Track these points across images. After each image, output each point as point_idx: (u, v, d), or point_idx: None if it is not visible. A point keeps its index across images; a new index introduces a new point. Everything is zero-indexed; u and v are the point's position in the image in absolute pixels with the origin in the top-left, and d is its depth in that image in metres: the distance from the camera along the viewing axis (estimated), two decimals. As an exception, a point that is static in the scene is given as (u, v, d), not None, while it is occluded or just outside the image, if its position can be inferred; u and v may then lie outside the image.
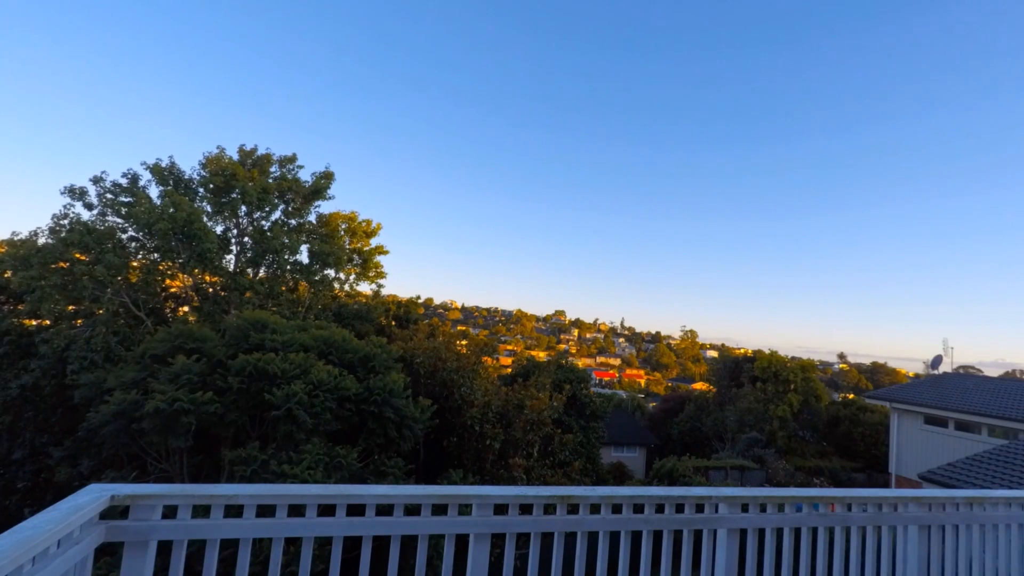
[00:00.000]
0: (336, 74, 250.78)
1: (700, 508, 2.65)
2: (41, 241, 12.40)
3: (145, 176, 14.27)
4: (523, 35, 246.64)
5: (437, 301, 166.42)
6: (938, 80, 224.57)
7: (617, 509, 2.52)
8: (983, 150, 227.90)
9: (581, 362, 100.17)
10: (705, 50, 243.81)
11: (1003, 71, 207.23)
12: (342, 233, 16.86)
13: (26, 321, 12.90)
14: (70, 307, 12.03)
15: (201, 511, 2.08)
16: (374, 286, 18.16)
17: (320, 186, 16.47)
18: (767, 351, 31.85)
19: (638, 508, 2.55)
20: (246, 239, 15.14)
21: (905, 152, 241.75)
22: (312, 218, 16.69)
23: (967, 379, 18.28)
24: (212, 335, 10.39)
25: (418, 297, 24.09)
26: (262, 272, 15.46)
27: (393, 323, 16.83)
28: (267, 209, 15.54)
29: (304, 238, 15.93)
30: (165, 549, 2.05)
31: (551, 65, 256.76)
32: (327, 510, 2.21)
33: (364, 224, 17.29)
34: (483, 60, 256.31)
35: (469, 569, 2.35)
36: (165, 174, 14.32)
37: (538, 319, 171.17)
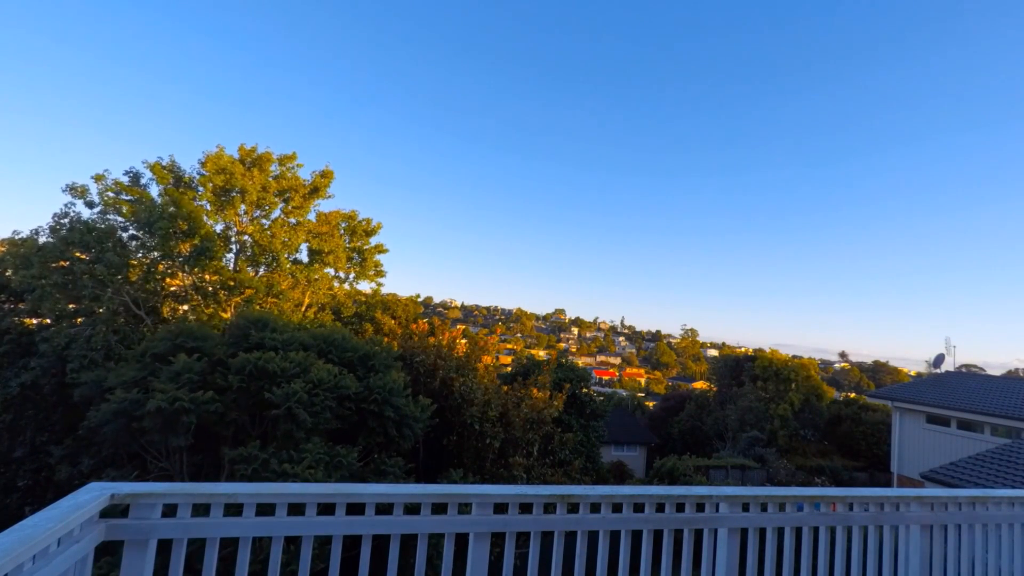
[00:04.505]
0: (336, 74, 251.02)
1: (701, 507, 2.65)
2: (42, 240, 12.40)
3: (146, 175, 14.29)
4: (525, 36, 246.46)
5: (437, 300, 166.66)
6: (941, 87, 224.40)
7: (617, 508, 2.52)
8: (986, 151, 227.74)
9: (581, 361, 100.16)
10: (705, 60, 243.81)
11: (1002, 87, 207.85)
12: (342, 232, 16.84)
13: (26, 320, 12.90)
14: (71, 306, 12.02)
15: (201, 510, 2.07)
16: (374, 284, 18.16)
17: (320, 184, 16.45)
18: (768, 350, 31.85)
19: (638, 507, 2.55)
20: (246, 237, 15.14)
21: (907, 152, 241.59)
22: (312, 216, 16.68)
23: (970, 378, 18.25)
24: (212, 333, 10.39)
25: (418, 296, 24.08)
26: (262, 271, 15.46)
27: (392, 321, 16.82)
28: (267, 207, 15.53)
29: (303, 236, 15.91)
30: (165, 548, 2.05)
31: (551, 64, 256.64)
32: (327, 509, 2.21)
33: (364, 223, 17.25)
34: (483, 61, 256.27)
35: (469, 568, 2.35)
36: (165, 172, 14.32)
37: (538, 318, 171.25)
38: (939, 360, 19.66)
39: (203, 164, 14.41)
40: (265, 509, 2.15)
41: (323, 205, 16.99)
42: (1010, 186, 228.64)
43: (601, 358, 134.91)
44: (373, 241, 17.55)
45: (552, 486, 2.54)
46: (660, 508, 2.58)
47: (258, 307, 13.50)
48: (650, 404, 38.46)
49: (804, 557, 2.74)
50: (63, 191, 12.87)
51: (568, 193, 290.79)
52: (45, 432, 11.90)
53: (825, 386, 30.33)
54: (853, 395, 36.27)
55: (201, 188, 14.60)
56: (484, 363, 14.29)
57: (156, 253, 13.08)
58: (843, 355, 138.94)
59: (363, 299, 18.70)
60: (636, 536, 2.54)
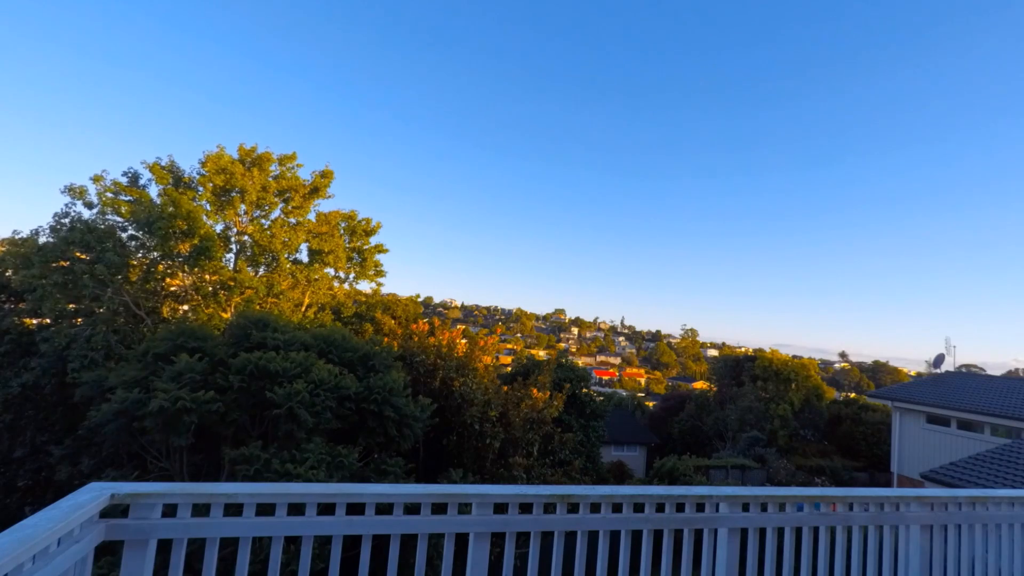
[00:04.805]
0: (337, 76, 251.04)
1: (701, 507, 2.65)
2: (42, 240, 12.40)
3: (145, 175, 14.29)
4: (527, 39, 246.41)
5: (437, 300, 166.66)
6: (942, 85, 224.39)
7: (617, 508, 2.52)
8: (986, 153, 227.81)
9: (581, 361, 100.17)
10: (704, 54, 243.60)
11: (1001, 90, 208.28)
12: (341, 232, 16.84)
13: (27, 320, 12.90)
14: (71, 306, 12.02)
15: (201, 510, 2.07)
16: (374, 284, 18.16)
17: (320, 184, 16.44)
18: (768, 350, 31.84)
19: (638, 507, 2.55)
20: (246, 237, 15.13)
21: (907, 153, 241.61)
22: (312, 216, 16.68)
23: (969, 378, 18.25)
24: (213, 334, 10.40)
25: (418, 296, 24.09)
26: (262, 270, 15.45)
27: (393, 321, 16.82)
28: (267, 207, 15.53)
29: (303, 236, 15.91)
30: (165, 548, 2.05)
31: (552, 67, 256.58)
32: (327, 509, 2.21)
33: (364, 223, 17.24)
34: (484, 63, 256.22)
35: (469, 568, 2.35)
36: (165, 173, 14.32)
37: (538, 318, 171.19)
38: (939, 360, 19.66)
39: (203, 164, 14.41)
40: (265, 509, 2.15)
41: (323, 205, 17.01)
42: (1010, 187, 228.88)
43: (601, 358, 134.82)
44: (373, 241, 17.55)
45: (552, 486, 2.54)
46: (660, 508, 2.58)
47: (258, 307, 13.49)
48: (650, 404, 38.44)
49: (804, 557, 2.74)
50: (62, 192, 12.87)
51: (568, 194, 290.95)
52: (45, 432, 11.90)
53: (825, 386, 30.33)
54: (853, 395, 36.27)
55: (201, 188, 14.60)
56: (484, 363, 14.28)
57: (156, 253, 13.08)
58: (843, 355, 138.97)
59: (363, 299, 18.69)
60: (636, 536, 2.54)
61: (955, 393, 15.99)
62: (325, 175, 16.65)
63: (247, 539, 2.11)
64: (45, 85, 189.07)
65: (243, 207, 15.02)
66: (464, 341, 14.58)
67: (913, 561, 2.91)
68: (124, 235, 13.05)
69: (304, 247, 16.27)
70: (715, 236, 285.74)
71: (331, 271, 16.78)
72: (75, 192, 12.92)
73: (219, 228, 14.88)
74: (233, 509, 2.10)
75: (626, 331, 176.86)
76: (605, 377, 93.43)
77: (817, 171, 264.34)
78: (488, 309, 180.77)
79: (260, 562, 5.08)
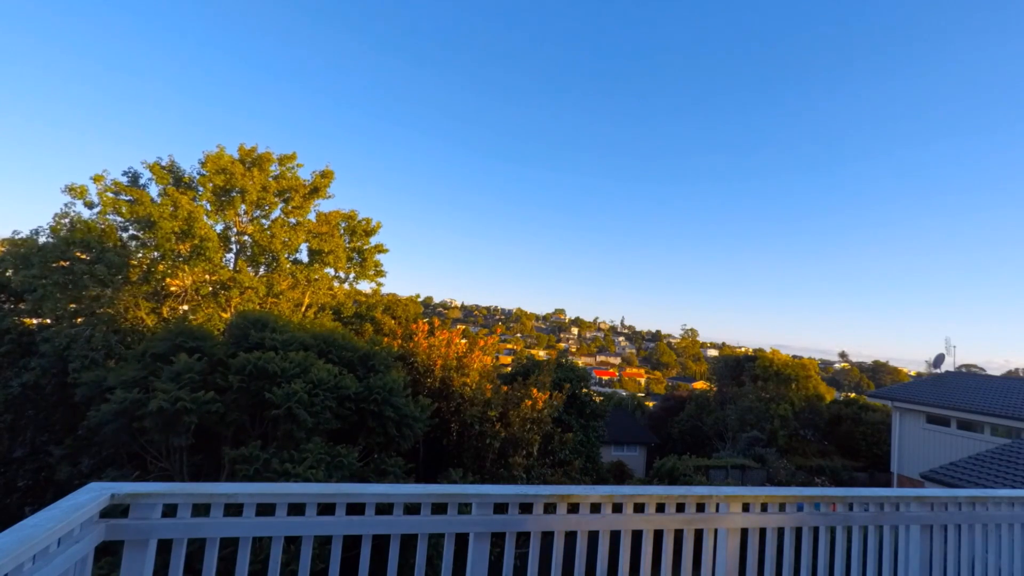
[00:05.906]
0: (337, 77, 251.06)
1: (701, 507, 2.65)
2: (42, 240, 12.40)
3: (145, 175, 14.29)
4: (527, 43, 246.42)
5: (437, 300, 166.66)
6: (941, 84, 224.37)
7: (617, 508, 2.52)
8: (985, 154, 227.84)
9: (581, 361, 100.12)
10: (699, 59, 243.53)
11: (1000, 91, 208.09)
12: (342, 232, 16.82)
13: (27, 320, 12.90)
14: (71, 306, 12.02)
15: (201, 510, 2.07)
16: (374, 284, 18.14)
17: (320, 184, 16.43)
18: (768, 350, 31.87)
19: (639, 507, 2.54)
20: (246, 237, 15.13)
21: (907, 154, 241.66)
22: (312, 217, 16.67)
23: (969, 378, 18.25)
24: (212, 334, 10.40)
25: (418, 296, 24.09)
26: (262, 270, 15.44)
27: (393, 321, 16.81)
28: (267, 208, 15.52)
29: (303, 236, 15.90)
30: (165, 548, 2.05)
31: (552, 71, 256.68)
32: (327, 509, 2.21)
33: (364, 223, 17.23)
34: (486, 66, 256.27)
35: (469, 568, 2.35)
36: (165, 173, 14.32)
37: (538, 318, 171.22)
38: (939, 360, 19.65)
39: (203, 164, 14.41)
40: (265, 509, 2.15)
41: (323, 205, 16.97)
42: (1009, 188, 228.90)
43: (601, 358, 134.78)
44: (373, 241, 17.53)
45: (552, 486, 2.54)
46: (660, 508, 2.58)
47: (258, 307, 13.49)
48: (650, 404, 38.44)
49: (804, 557, 2.74)
50: (62, 191, 12.87)
51: (568, 195, 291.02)
52: (45, 432, 11.89)
53: (825, 386, 30.36)
54: (853, 395, 36.26)
55: (201, 188, 14.59)
56: (484, 363, 14.28)
57: (156, 253, 13.09)
58: (843, 355, 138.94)
59: (363, 299, 18.68)
60: (636, 536, 2.54)
61: (955, 393, 15.99)
62: (325, 175, 16.64)
63: (247, 539, 2.11)
64: (46, 86, 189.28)
65: (243, 207, 15.01)
66: (464, 341, 14.57)
67: (913, 561, 2.91)
68: (124, 235, 13.04)
69: (304, 247, 16.26)
70: (715, 236, 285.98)
71: (331, 271, 16.76)
72: (75, 191, 12.90)
73: (219, 228, 14.88)
74: (233, 509, 2.10)
75: (626, 331, 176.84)
76: (605, 377, 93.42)
77: (817, 172, 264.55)
78: (488, 309, 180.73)
79: (260, 562, 5.08)
